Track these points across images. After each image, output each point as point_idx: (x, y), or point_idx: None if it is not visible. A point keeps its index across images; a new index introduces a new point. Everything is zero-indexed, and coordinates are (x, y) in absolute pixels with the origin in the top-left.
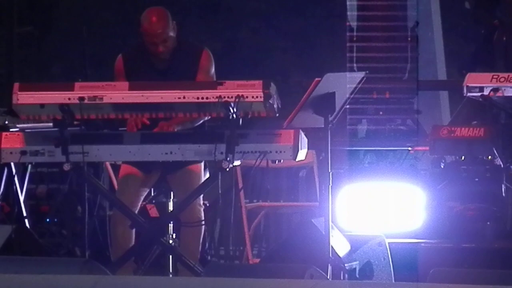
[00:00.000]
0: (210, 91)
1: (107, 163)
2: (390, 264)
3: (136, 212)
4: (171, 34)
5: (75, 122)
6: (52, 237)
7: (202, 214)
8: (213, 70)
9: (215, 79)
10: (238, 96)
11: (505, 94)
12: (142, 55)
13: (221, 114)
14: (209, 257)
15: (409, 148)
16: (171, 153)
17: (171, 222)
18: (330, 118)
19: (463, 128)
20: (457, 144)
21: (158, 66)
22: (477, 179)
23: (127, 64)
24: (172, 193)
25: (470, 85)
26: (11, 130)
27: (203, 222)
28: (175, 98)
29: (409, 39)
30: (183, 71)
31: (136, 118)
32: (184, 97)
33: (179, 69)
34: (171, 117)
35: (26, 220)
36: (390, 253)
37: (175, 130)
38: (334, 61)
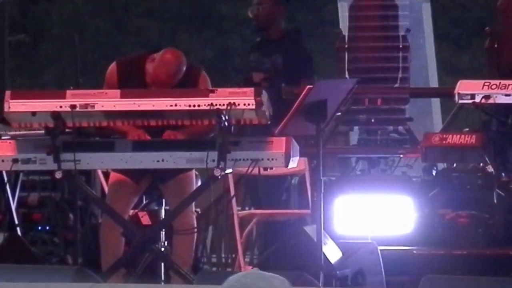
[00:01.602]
0: (202, 98)
1: (99, 171)
2: (382, 272)
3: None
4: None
5: (67, 130)
6: (44, 245)
7: (195, 222)
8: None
9: None
10: (229, 104)
11: (497, 101)
12: (137, 71)
13: (213, 122)
14: (201, 265)
15: (401, 156)
16: (162, 160)
17: (163, 229)
18: (322, 126)
19: (454, 136)
20: (448, 152)
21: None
22: (468, 187)
23: (121, 75)
24: (164, 200)
25: (461, 92)
26: (2, 138)
27: (195, 230)
28: (166, 105)
29: (400, 46)
30: None
31: (137, 134)
32: (175, 105)
33: None
34: (163, 125)
35: (18, 228)
36: (382, 260)
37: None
38: (326, 68)
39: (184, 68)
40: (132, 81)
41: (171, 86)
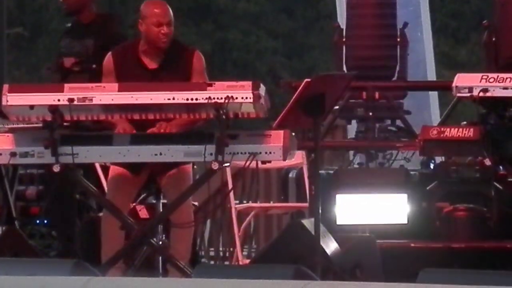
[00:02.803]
0: (200, 92)
1: (97, 164)
2: (380, 265)
3: (126, 213)
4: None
5: (65, 124)
6: (42, 239)
7: (192, 215)
8: (205, 71)
9: (207, 79)
10: (227, 97)
11: (494, 95)
12: (132, 55)
13: (211, 115)
14: (199, 258)
15: (399, 149)
16: (160, 154)
17: (161, 223)
18: (320, 119)
19: (452, 129)
20: (446, 145)
21: (149, 66)
22: (466, 180)
23: (117, 63)
24: (162, 194)
25: (459, 85)
26: (0, 131)
27: (193, 224)
28: (164, 99)
29: (398, 39)
30: (174, 71)
31: (124, 126)
32: (173, 98)
33: (170, 69)
34: (161, 119)
35: (16, 222)
36: (380, 253)
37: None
38: (324, 62)
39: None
40: (128, 64)
41: (169, 17)
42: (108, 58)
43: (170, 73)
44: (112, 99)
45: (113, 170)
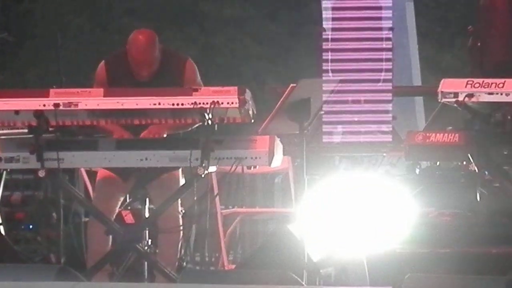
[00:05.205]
0: (186, 97)
1: (82, 170)
2: (365, 270)
3: (113, 217)
4: (156, 57)
5: (50, 129)
6: (27, 244)
7: (180, 221)
8: (198, 78)
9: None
10: (213, 102)
11: (480, 100)
12: (125, 64)
13: (197, 120)
14: (184, 263)
15: (384, 154)
16: (146, 159)
17: (147, 228)
18: (305, 124)
19: (438, 134)
20: (432, 150)
21: (141, 78)
22: (452, 185)
23: (110, 72)
24: (147, 199)
25: (444, 90)
26: None
27: (181, 228)
28: (150, 104)
29: (384, 45)
30: (167, 84)
31: (121, 135)
32: (159, 104)
33: (163, 82)
34: (147, 124)
35: (1, 227)
36: (366, 258)
37: (165, 134)
38: (309, 67)
39: (156, 45)
40: (120, 74)
41: (149, 64)
42: (101, 67)
43: (162, 85)
44: (98, 104)
45: (102, 173)
